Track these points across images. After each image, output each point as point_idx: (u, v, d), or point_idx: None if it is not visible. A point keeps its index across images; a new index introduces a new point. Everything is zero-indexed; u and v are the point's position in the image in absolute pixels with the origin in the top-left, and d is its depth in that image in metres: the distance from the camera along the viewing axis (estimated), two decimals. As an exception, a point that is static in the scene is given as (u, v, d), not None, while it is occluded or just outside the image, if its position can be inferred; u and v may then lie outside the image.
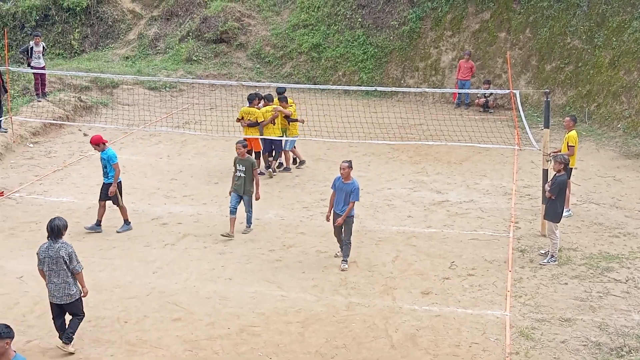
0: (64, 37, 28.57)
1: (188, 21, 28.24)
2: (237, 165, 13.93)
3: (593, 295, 11.55)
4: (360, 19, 26.37)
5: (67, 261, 9.70)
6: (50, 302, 9.92)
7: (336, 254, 12.93)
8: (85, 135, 20.28)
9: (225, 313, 11.02)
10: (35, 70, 20.89)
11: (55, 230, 9.77)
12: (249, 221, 14.16)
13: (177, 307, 11.16)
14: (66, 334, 9.94)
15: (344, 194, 12.50)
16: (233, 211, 13.83)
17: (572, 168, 14.53)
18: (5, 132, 18.98)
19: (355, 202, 12.54)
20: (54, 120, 20.31)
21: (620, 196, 16.00)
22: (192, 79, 24.52)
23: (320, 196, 15.97)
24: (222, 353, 9.97)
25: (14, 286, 11.77)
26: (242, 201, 13.99)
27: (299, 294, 11.67)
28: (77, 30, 28.61)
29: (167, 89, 24.89)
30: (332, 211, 12.69)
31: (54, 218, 9.92)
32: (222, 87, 24.92)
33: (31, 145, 19.25)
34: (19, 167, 17.57)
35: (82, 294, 9.98)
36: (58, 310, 9.93)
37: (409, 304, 11.29)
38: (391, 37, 25.92)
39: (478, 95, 23.51)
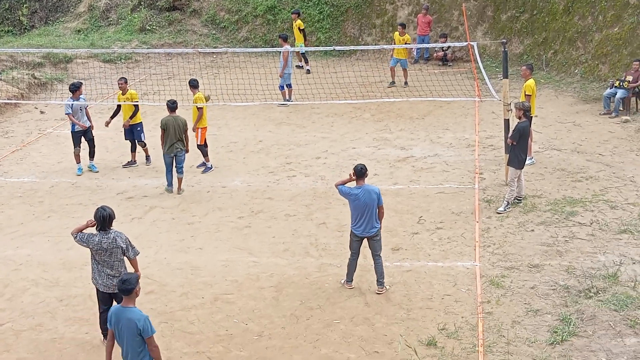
0: (11, 13, 27.84)
1: (139, -10, 27.66)
2: None
3: (559, 240, 11.77)
4: (314, -22, 26.07)
5: (125, 250, 9.20)
6: (99, 292, 9.37)
7: (345, 284, 10.82)
8: (42, 112, 19.92)
9: (198, 283, 11.02)
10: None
11: (108, 219, 9.13)
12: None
13: (149, 280, 11.12)
14: None
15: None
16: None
17: (532, 116, 14.68)
18: None
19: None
20: (8, 99, 19.87)
21: (581, 141, 16.23)
22: (147, 49, 24.11)
23: (285, 160, 15.94)
24: (198, 323, 9.99)
25: (-19, 271, 11.62)
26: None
27: (270, 258, 11.71)
28: (25, 5, 27.89)
29: (122, 60, 24.43)
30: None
31: (103, 207, 9.21)
32: (178, 56, 24.57)
33: (-13, 126, 18.85)
34: (-24, 150, 17.23)
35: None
36: (108, 303, 9.37)
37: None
38: (346, -5, 25.70)
39: (436, 49, 23.51)
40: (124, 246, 9.24)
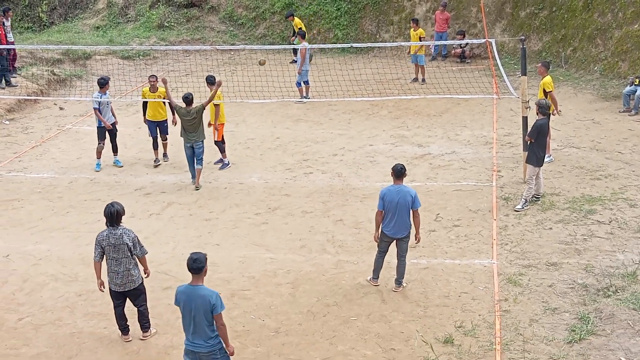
0: (31, 10, 28.05)
1: (157, -14, 27.79)
2: None
3: (578, 238, 11.69)
4: (331, -25, 26.04)
5: (131, 247, 9.23)
6: (111, 291, 9.45)
7: (370, 280, 10.80)
8: (61, 109, 20.06)
9: (215, 279, 11.05)
10: (5, 46, 20.47)
11: (115, 215, 9.17)
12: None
13: (167, 275, 11.18)
14: (142, 326, 9.68)
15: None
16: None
17: (557, 112, 14.65)
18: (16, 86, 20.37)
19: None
20: (28, 95, 20.03)
21: (600, 139, 16.11)
22: (166, 45, 24.23)
23: (302, 157, 15.96)
24: (215, 318, 10.01)
25: (1, 265, 11.72)
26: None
27: (287, 255, 11.73)
28: (44, 2, 28.08)
29: (140, 57, 24.56)
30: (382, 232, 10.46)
31: (112, 203, 9.29)
32: (196, 53, 24.65)
33: (7, 122, 19.01)
34: (-4, 146, 17.38)
35: (146, 275, 9.62)
36: (120, 299, 9.49)
37: (396, 258, 11.35)
38: (364, -8, 25.67)
39: (454, 46, 23.42)
40: (131, 244, 9.25)
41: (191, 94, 14.44)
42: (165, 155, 16.11)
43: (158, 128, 15.84)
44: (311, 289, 10.67)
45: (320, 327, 9.73)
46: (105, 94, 15.36)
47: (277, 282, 10.91)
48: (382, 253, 10.54)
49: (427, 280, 10.77)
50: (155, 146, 15.88)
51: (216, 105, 15.09)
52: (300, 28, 22.83)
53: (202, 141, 14.40)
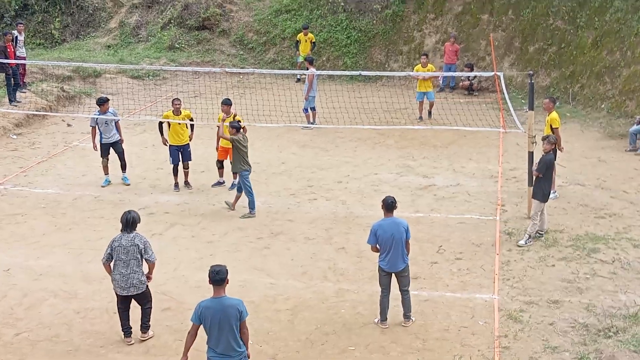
0: (44, 27, 28.27)
1: (169, 8, 27.98)
2: None
3: (580, 276, 11.63)
4: (342, 3, 26.22)
5: (142, 250, 9.59)
6: (116, 294, 9.80)
7: (379, 323, 10.46)
8: (69, 125, 20.15)
9: (214, 302, 11.01)
10: (17, 61, 20.64)
11: (131, 222, 9.65)
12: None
13: (166, 296, 11.15)
14: (143, 325, 9.97)
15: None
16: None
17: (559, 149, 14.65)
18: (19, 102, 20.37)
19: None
20: (36, 111, 20.14)
21: (606, 177, 16.09)
22: (175, 66, 24.36)
23: (307, 183, 15.97)
24: (213, 342, 9.96)
25: (1, 279, 11.71)
26: None
27: (288, 281, 11.69)
28: (57, 19, 28.32)
29: (150, 77, 24.71)
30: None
31: (129, 211, 9.80)
32: (205, 75, 24.79)
33: (14, 136, 19.10)
34: (3, 159, 17.43)
35: (148, 281, 9.88)
36: (124, 303, 9.82)
37: (398, 289, 11.29)
38: (374, 21, 25.83)
39: (462, 78, 23.52)
40: (142, 246, 9.62)
41: (239, 122, 14.35)
42: (187, 183, 15.72)
43: (181, 154, 15.50)
44: (310, 317, 10.62)
45: (318, 356, 9.67)
46: (105, 112, 15.40)
47: (277, 308, 10.86)
48: (385, 291, 10.37)
49: (427, 312, 10.71)
50: (175, 172, 15.57)
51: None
52: (314, 42, 23.46)
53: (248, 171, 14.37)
